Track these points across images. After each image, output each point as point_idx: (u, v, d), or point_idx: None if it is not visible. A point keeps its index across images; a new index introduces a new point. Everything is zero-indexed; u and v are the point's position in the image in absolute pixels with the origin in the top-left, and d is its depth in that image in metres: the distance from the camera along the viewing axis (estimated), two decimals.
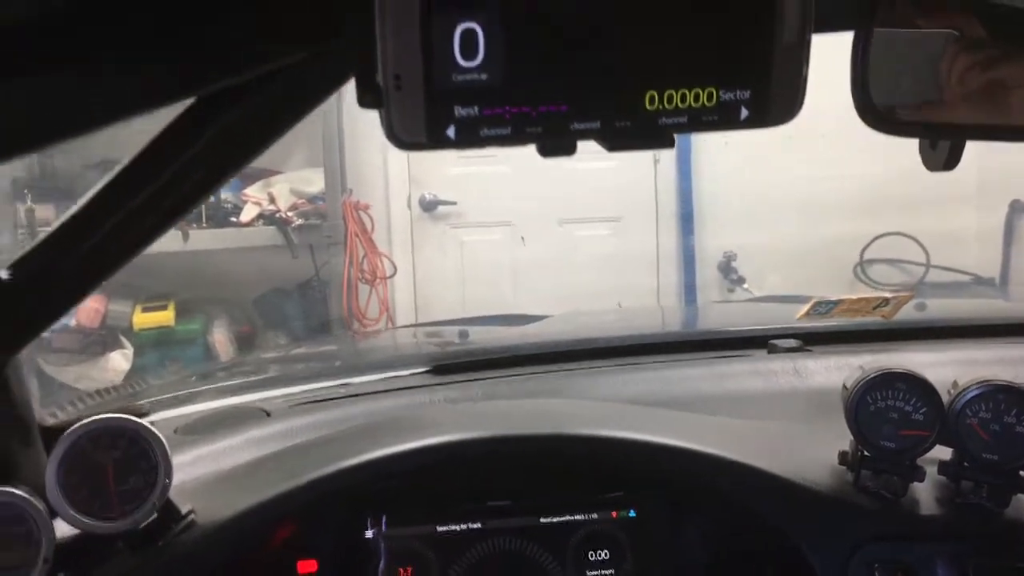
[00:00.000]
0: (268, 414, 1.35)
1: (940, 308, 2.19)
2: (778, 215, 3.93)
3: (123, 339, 3.67)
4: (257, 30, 0.57)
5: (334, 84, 0.62)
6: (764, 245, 3.99)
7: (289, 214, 3.79)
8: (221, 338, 3.71)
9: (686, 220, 4.22)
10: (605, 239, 4.17)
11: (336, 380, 1.54)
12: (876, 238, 4.11)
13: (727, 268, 4.25)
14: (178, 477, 0.95)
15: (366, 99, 0.54)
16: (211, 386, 1.65)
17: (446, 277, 4.17)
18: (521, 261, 4.12)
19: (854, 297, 1.58)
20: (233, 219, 3.74)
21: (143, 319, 3.68)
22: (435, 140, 0.55)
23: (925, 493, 1.01)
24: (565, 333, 1.91)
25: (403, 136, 0.54)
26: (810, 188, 3.91)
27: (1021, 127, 0.69)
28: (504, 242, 4.18)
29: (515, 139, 0.56)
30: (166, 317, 3.69)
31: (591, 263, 4.01)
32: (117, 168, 0.67)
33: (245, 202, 3.77)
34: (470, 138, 0.55)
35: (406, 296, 4.17)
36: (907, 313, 1.69)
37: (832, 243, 3.96)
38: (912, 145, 0.75)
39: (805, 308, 1.59)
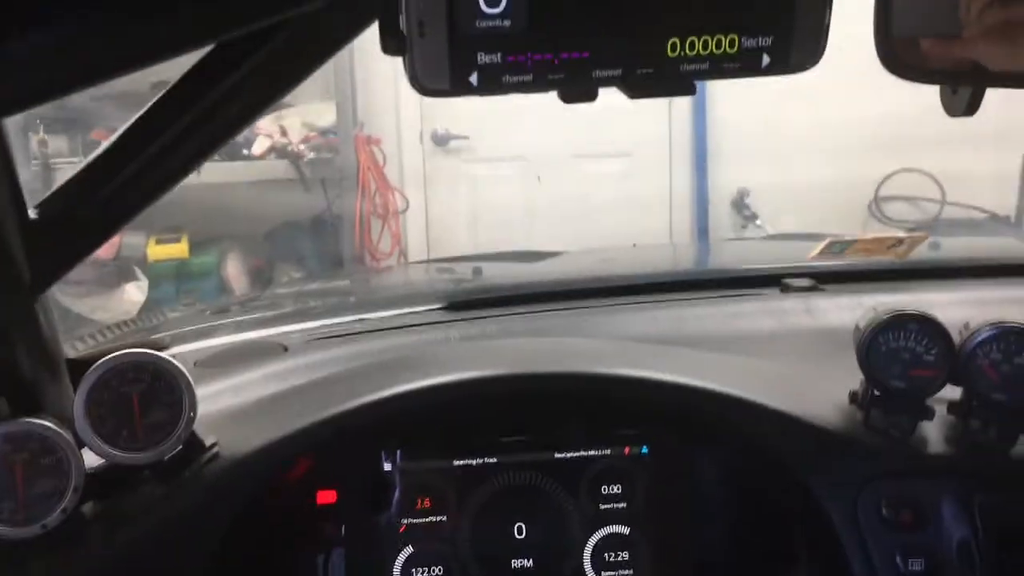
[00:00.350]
0: (286, 349, 1.37)
1: (954, 247, 2.18)
2: (793, 153, 3.90)
3: (137, 271, 3.70)
4: None
5: (356, 29, 0.62)
6: (778, 183, 3.96)
7: (301, 147, 3.78)
8: (234, 271, 3.73)
9: (700, 162, 4.19)
10: (618, 174, 4.14)
11: (352, 316, 1.55)
12: (890, 175, 4.08)
13: (740, 204, 4.24)
14: (200, 410, 0.98)
15: (389, 45, 0.55)
16: (228, 320, 1.68)
17: (458, 212, 4.16)
18: (534, 196, 4.11)
19: (868, 237, 1.58)
20: (245, 152, 3.74)
21: (157, 251, 3.71)
22: (458, 86, 0.55)
23: (934, 432, 1.03)
24: (579, 271, 1.92)
25: (426, 82, 0.55)
26: (825, 127, 3.86)
27: None
28: (517, 176, 4.16)
29: (537, 86, 0.56)
30: (180, 250, 3.72)
31: (604, 198, 3.99)
32: (143, 108, 0.68)
33: (257, 135, 3.76)
34: (492, 85, 0.56)
35: (418, 231, 4.17)
36: (921, 253, 1.69)
37: (847, 182, 3.93)
38: (929, 86, 0.75)
39: (819, 247, 1.60)
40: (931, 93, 0.82)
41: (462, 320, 1.44)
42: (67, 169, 3.47)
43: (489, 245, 3.59)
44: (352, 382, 1.11)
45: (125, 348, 0.95)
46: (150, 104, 0.70)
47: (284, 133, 3.75)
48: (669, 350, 1.21)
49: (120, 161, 0.70)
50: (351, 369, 1.20)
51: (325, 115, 3.85)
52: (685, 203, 4.29)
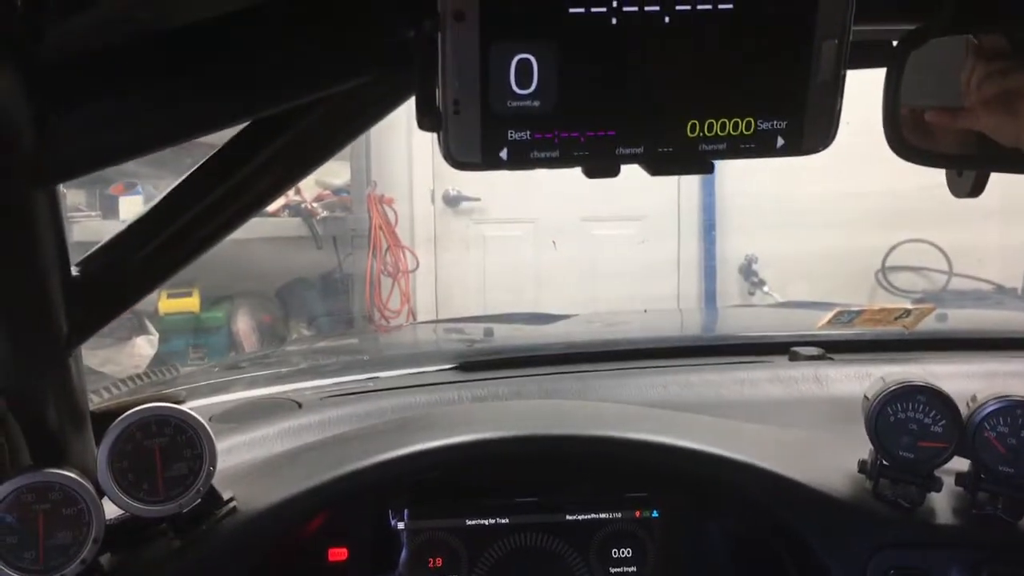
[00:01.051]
0: (300, 405, 1.39)
1: (961, 319, 2.20)
2: (800, 224, 3.94)
3: (148, 324, 3.72)
4: (324, 55, 0.61)
5: (392, 106, 0.66)
6: (786, 252, 4.00)
7: (314, 205, 3.84)
8: (245, 327, 3.76)
9: (708, 228, 4.24)
10: (628, 239, 4.19)
11: (365, 374, 1.57)
12: (897, 245, 4.12)
13: (748, 271, 4.27)
14: (218, 464, 0.99)
15: (425, 122, 0.58)
16: (242, 376, 1.70)
17: (468, 273, 4.20)
18: (544, 258, 4.15)
19: (876, 308, 1.61)
20: None
21: (169, 304, 3.74)
22: (489, 161, 0.58)
23: (942, 503, 1.04)
24: (589, 334, 1.94)
25: (459, 157, 0.58)
26: (831, 200, 3.91)
27: None
28: (527, 239, 4.21)
29: (563, 162, 0.60)
30: (191, 303, 3.75)
31: (613, 263, 4.03)
32: (183, 176, 0.71)
33: None
34: (521, 160, 0.59)
35: (427, 291, 4.21)
36: (928, 324, 1.71)
37: (854, 252, 3.96)
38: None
39: (827, 317, 1.62)
40: (933, 171, 0.85)
41: (474, 381, 1.46)
42: (85, 223, 3.54)
43: (498, 306, 3.62)
44: (366, 440, 1.12)
45: (146, 401, 0.97)
46: (187, 174, 0.73)
47: (298, 191, 3.81)
48: (679, 415, 1.23)
49: (158, 226, 0.73)
50: (365, 427, 1.21)
51: (339, 174, 3.91)
52: (693, 269, 4.33)
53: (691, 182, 4.20)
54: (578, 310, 2.47)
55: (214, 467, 0.97)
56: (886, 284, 4.20)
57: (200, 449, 0.97)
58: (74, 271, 0.75)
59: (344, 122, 0.67)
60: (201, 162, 0.71)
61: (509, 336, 2.11)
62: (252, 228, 3.73)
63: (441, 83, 0.57)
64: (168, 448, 0.96)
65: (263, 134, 0.68)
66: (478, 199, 4.18)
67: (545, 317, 2.23)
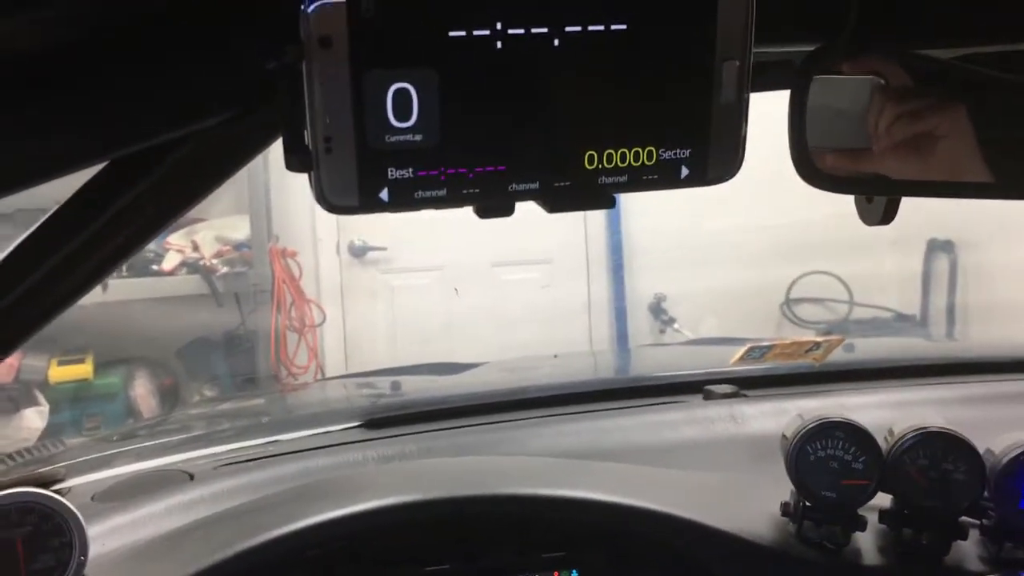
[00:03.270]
0: (192, 477, 1.29)
1: (868, 349, 2.23)
2: (707, 259, 3.98)
3: (38, 394, 3.51)
4: (183, 91, 0.54)
5: (258, 147, 0.59)
6: (694, 288, 4.03)
7: (214, 262, 3.71)
8: (143, 392, 3.58)
9: (616, 269, 4.25)
10: (537, 282, 4.17)
11: (264, 438, 1.48)
12: (800, 277, 4.20)
13: (657, 309, 4.29)
14: (95, 549, 0.90)
15: (293, 162, 0.52)
16: (131, 447, 1.58)
17: (377, 324, 4.11)
18: (453, 306, 4.09)
19: (786, 342, 1.60)
20: (155, 267, 3.64)
21: (59, 373, 3.53)
22: (368, 203, 0.52)
23: (867, 542, 1.01)
24: (499, 383, 1.88)
25: (333, 200, 0.52)
26: (736, 234, 3.97)
27: (952, 183, 0.69)
28: (436, 286, 4.15)
29: (451, 201, 0.54)
30: (84, 371, 3.55)
31: (523, 306, 4.00)
32: (33, 227, 0.63)
33: (167, 250, 3.67)
34: (404, 201, 0.53)
35: (337, 345, 4.09)
36: (837, 355, 1.71)
37: (759, 287, 4.02)
38: (835, 195, 0.75)
39: (739, 353, 1.60)
40: (835, 203, 0.83)
41: (380, 439, 1.38)
42: None
43: (409, 356, 3.53)
44: (261, 513, 1.04)
45: (20, 483, 0.88)
46: (40, 223, 0.65)
47: (196, 247, 3.67)
48: (595, 465, 1.18)
49: (7, 283, 0.64)
50: (261, 498, 1.13)
51: (239, 228, 3.79)
52: (604, 310, 4.33)
53: (598, 221, 4.22)
54: (490, 357, 2.41)
55: (85, 556, 0.87)
56: (791, 316, 4.27)
57: (69, 537, 0.87)
58: None
59: (209, 163, 0.60)
60: (52, 211, 0.63)
61: (417, 388, 2.04)
62: (148, 288, 3.60)
63: (309, 119, 0.50)
64: (31, 539, 0.86)
65: (121, 178, 0.61)
66: (384, 248, 4.11)
67: (454, 367, 2.16)
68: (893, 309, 4.19)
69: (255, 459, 1.34)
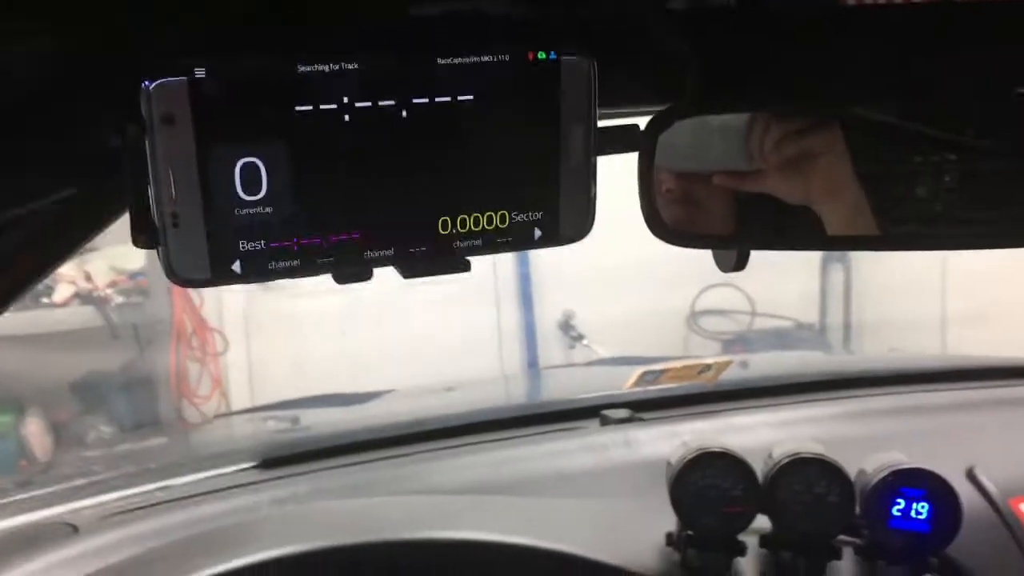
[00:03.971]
0: (76, 529, 1.24)
1: (763, 365, 2.29)
2: (616, 284, 4.04)
3: None
4: (21, 168, 0.53)
5: (105, 221, 0.58)
6: (604, 309, 4.09)
7: (108, 292, 3.60)
8: (36, 429, 3.44)
9: (526, 300, 4.29)
10: (444, 302, 4.16)
11: (154, 483, 1.44)
12: (704, 289, 4.30)
13: (566, 326, 4.33)
14: None
15: (140, 239, 0.51)
16: (8, 500, 1.52)
17: (282, 352, 4.04)
18: (361, 332, 4.05)
19: (679, 365, 1.64)
20: (45, 300, 3.51)
21: None
22: (220, 276, 0.52)
23: (748, 566, 1.04)
24: (402, 413, 1.87)
25: (184, 275, 0.52)
26: (642, 259, 4.04)
27: (789, 238, 0.73)
28: (342, 312, 4.10)
29: (306, 270, 0.54)
30: None
31: (433, 329, 3.99)
32: None
33: (58, 281, 3.54)
34: (258, 272, 0.53)
35: (240, 372, 4.01)
36: (732, 373, 1.76)
37: (666, 306, 4.11)
38: None
39: (633, 377, 1.63)
40: None
41: (274, 479, 1.36)
42: None
43: (315, 383, 3.48)
44: (147, 569, 1.01)
45: None
46: None
47: (88, 278, 3.56)
48: (487, 502, 1.18)
49: None
50: (148, 551, 1.10)
51: (133, 257, 3.69)
52: (514, 333, 4.35)
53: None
54: (397, 383, 2.40)
55: None
56: (697, 328, 4.37)
57: None
58: None
59: (53, 240, 0.59)
60: None
61: (318, 421, 2.02)
62: (38, 321, 3.46)
63: (154, 195, 0.50)
64: None
65: None
66: None
67: (358, 397, 2.14)
68: (793, 318, 4.33)
69: (144, 507, 1.30)
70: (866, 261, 4.26)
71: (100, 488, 1.45)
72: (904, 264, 3.86)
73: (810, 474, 1.01)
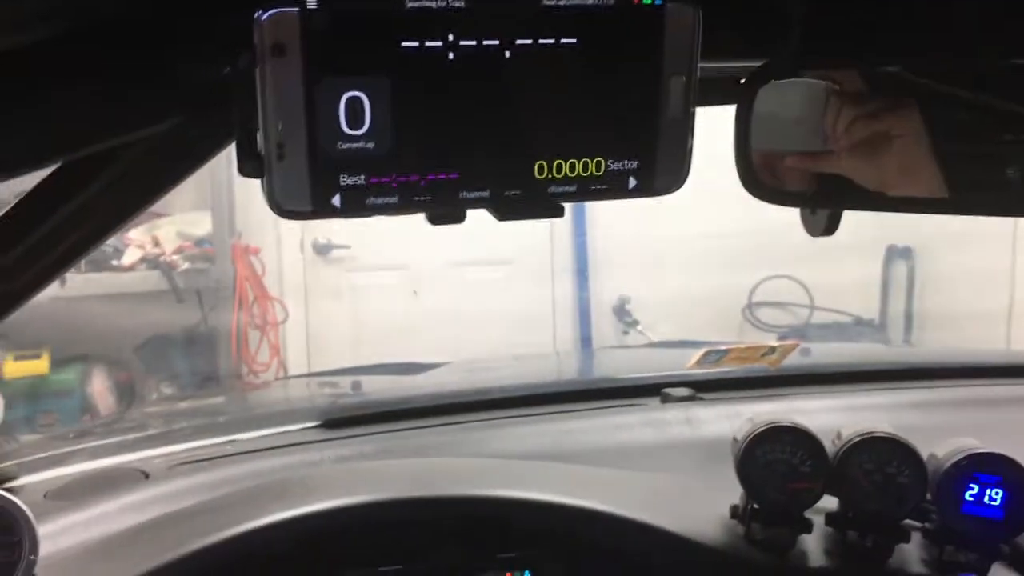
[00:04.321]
0: (147, 476, 1.28)
1: (824, 353, 2.26)
2: (673, 265, 4.01)
3: None
4: (133, 93, 0.54)
5: (212, 150, 0.60)
6: (659, 293, 4.06)
7: (174, 258, 3.67)
8: (100, 388, 3.54)
9: (581, 270, 4.27)
10: (500, 282, 4.17)
11: (221, 437, 1.47)
12: (761, 281, 4.25)
13: (621, 311, 4.32)
14: (47, 549, 0.89)
15: (246, 167, 0.52)
16: (85, 445, 1.57)
17: (340, 322, 4.09)
18: (416, 305, 4.08)
19: (742, 346, 1.62)
20: (115, 263, 3.60)
21: (15, 368, 3.49)
22: (320, 209, 0.53)
23: (813, 544, 1.03)
24: (460, 383, 1.89)
25: (286, 205, 0.53)
26: (702, 240, 4.00)
27: (890, 197, 0.71)
28: (399, 285, 4.14)
29: (403, 208, 0.55)
30: (40, 366, 3.51)
31: (487, 307, 4.00)
32: None
33: (127, 245, 3.63)
34: (357, 207, 0.54)
35: (298, 343, 4.07)
36: (793, 359, 1.74)
37: (722, 290, 4.06)
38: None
39: (696, 357, 1.62)
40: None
41: (337, 439, 1.38)
42: None
43: (371, 355, 3.52)
44: (215, 514, 1.04)
45: None
46: None
47: (157, 243, 3.64)
48: (550, 467, 1.19)
49: None
50: (215, 499, 1.12)
51: (201, 224, 3.76)
52: (568, 310, 4.34)
53: (563, 221, 4.23)
54: (452, 357, 2.42)
55: (35, 555, 0.87)
56: (753, 320, 4.32)
57: (19, 536, 0.86)
58: None
59: (161, 167, 0.60)
60: (5, 211, 0.63)
61: (378, 389, 2.04)
62: (107, 284, 3.55)
63: (262, 125, 0.51)
64: None
65: (72, 180, 0.61)
66: (348, 246, 4.09)
67: (416, 367, 2.16)
68: (852, 313, 4.26)
69: (211, 458, 1.33)
70: (930, 253, 4.17)
71: (170, 439, 1.49)
72: (971, 256, 3.77)
73: (882, 453, 0.99)
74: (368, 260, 4.14)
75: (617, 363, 2.57)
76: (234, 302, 3.77)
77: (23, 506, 0.86)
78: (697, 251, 3.98)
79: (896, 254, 4.29)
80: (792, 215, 0.81)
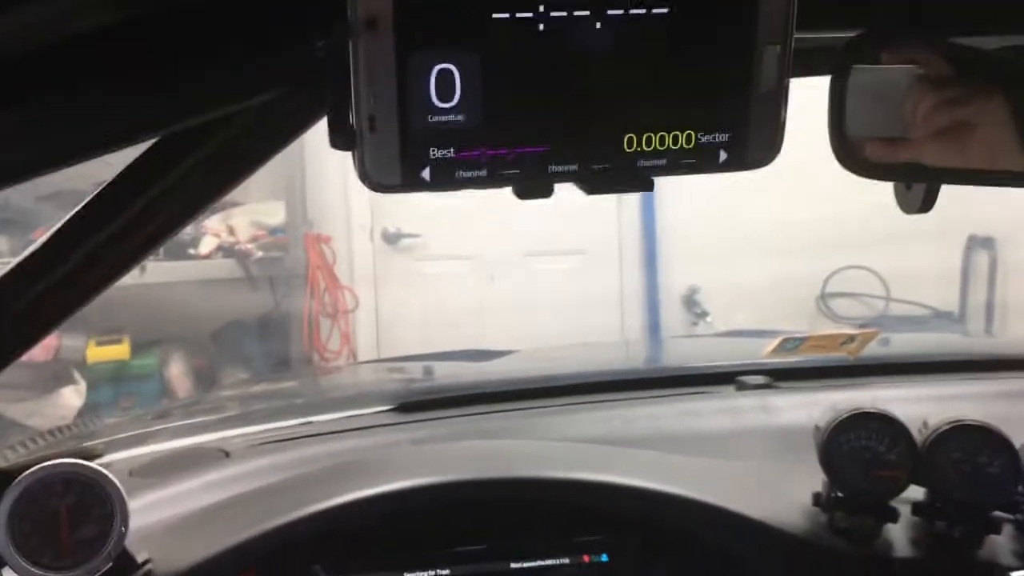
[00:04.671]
0: (227, 455, 1.31)
1: (903, 343, 2.21)
2: (741, 252, 3.95)
3: (76, 373, 3.58)
4: (227, 68, 0.55)
5: (304, 124, 0.60)
6: (728, 281, 4.00)
7: (249, 246, 3.74)
8: (178, 372, 3.63)
9: (650, 259, 4.23)
10: (570, 272, 4.16)
11: (298, 419, 1.50)
12: (836, 271, 4.16)
13: (691, 301, 4.27)
14: (134, 522, 0.92)
15: (338, 140, 0.53)
16: (167, 425, 1.61)
17: (409, 310, 4.13)
18: (486, 294, 4.10)
19: (820, 334, 1.59)
20: (191, 251, 3.69)
21: (97, 353, 3.59)
22: (410, 182, 0.53)
23: (899, 534, 1.00)
24: (531, 370, 1.89)
25: (376, 178, 0.53)
26: (771, 226, 3.93)
27: (992, 172, 0.69)
28: (469, 275, 4.15)
29: (492, 181, 0.55)
30: (121, 351, 3.61)
31: (556, 296, 3.99)
32: (81, 204, 0.65)
33: (204, 234, 3.71)
34: (445, 180, 0.54)
35: (368, 330, 4.12)
36: (871, 349, 1.70)
37: (794, 280, 3.98)
38: (869, 185, 0.75)
39: (772, 345, 1.59)
40: (872, 192, 0.82)
41: (412, 422, 1.40)
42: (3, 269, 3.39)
43: (440, 343, 3.55)
44: (295, 491, 1.05)
45: (55, 458, 0.90)
46: (85, 201, 0.67)
47: (232, 232, 3.71)
48: (625, 452, 1.18)
49: (51, 261, 0.66)
50: (295, 477, 1.14)
51: (274, 214, 3.83)
52: (636, 300, 4.31)
53: (631, 210, 4.20)
54: (521, 345, 2.42)
55: (127, 527, 0.89)
56: (826, 310, 4.24)
57: (111, 508, 0.89)
58: None
59: (254, 142, 0.61)
60: (98, 189, 0.64)
61: (449, 374, 2.05)
62: (184, 271, 3.64)
63: (354, 98, 0.51)
64: (75, 508, 0.88)
65: (165, 158, 0.62)
66: (418, 235, 4.12)
67: (486, 354, 2.17)
68: (930, 305, 4.14)
69: (290, 439, 1.36)
70: (1014, 243, 4.03)
71: (248, 420, 1.52)
72: None
73: (972, 442, 0.96)
74: (437, 249, 4.16)
75: (688, 351, 2.54)
76: (306, 290, 3.83)
77: (115, 480, 0.89)
78: (768, 238, 3.91)
79: (977, 243, 4.15)
80: (865, 203, 0.78)
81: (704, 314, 4.23)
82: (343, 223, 4.07)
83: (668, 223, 4.22)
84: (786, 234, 3.90)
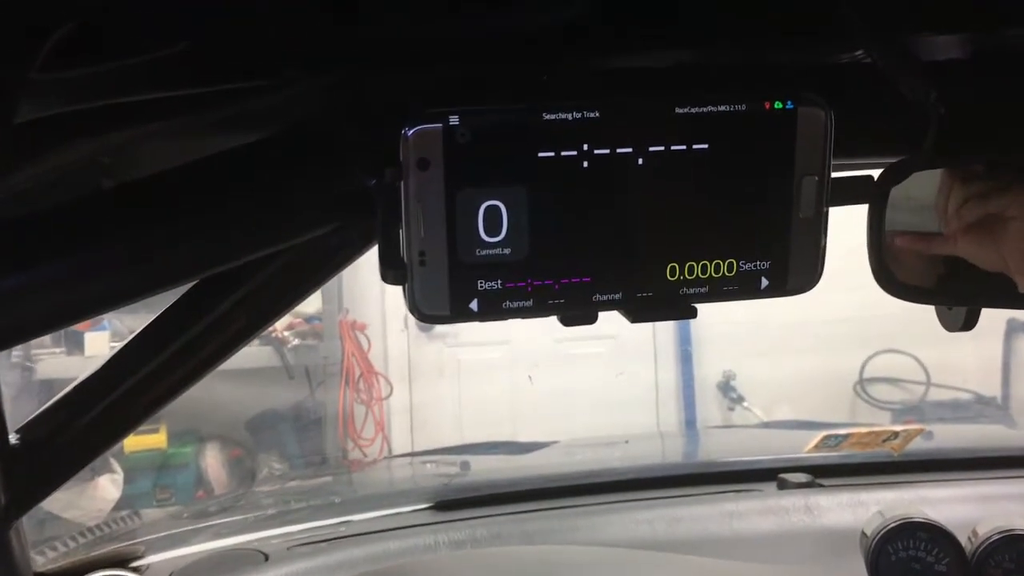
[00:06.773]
0: (267, 557, 1.31)
1: (948, 436, 2.17)
2: (778, 349, 3.92)
3: (113, 462, 3.59)
4: (285, 209, 0.58)
5: (352, 256, 0.62)
6: (765, 375, 3.97)
7: (286, 334, 3.78)
8: (213, 463, 3.64)
9: (685, 361, 4.22)
10: (603, 357, 4.14)
11: (336, 518, 1.50)
12: (875, 354, 4.11)
13: (726, 387, 4.23)
14: None
15: (389, 275, 0.55)
16: (206, 524, 1.61)
17: (443, 397, 4.13)
18: (520, 381, 4.09)
19: (863, 431, 1.57)
20: None
21: (134, 442, 3.61)
22: (458, 313, 0.55)
23: None
24: (569, 465, 1.88)
25: (426, 310, 0.55)
26: (808, 326, 3.90)
27: None
28: (502, 361, 4.16)
29: (538, 311, 0.56)
30: (158, 440, 3.63)
31: (592, 386, 3.97)
32: (134, 334, 0.67)
33: None
34: (493, 311, 0.55)
35: (403, 418, 4.12)
36: (915, 443, 1.67)
37: (832, 371, 3.94)
38: None
39: (814, 441, 1.57)
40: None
41: (449, 522, 1.39)
42: (49, 360, 3.45)
43: (475, 431, 3.54)
44: None
45: (99, 561, 0.90)
46: (135, 335, 0.69)
47: None
48: (667, 560, 1.16)
49: (103, 389, 0.68)
50: None
51: (311, 301, 3.87)
52: (671, 389, 4.28)
53: None
54: (557, 436, 2.41)
55: None
56: (865, 396, 4.17)
57: None
58: (13, 439, 0.69)
59: (302, 275, 0.63)
60: (147, 324, 0.66)
61: (486, 468, 2.04)
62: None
63: (405, 234, 0.53)
64: None
65: (217, 289, 0.64)
66: None
67: (523, 446, 2.16)
68: (972, 391, 4.06)
69: (328, 539, 1.35)
70: None
71: (287, 519, 1.52)
72: None
73: (1023, 551, 0.94)
74: (470, 336, 4.18)
75: (728, 445, 2.51)
76: (340, 378, 3.85)
77: None
78: (804, 335, 3.88)
79: (1017, 328, 4.09)
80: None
81: (740, 399, 4.18)
82: (377, 310, 4.10)
83: (702, 317, 4.20)
84: (820, 332, 3.87)
